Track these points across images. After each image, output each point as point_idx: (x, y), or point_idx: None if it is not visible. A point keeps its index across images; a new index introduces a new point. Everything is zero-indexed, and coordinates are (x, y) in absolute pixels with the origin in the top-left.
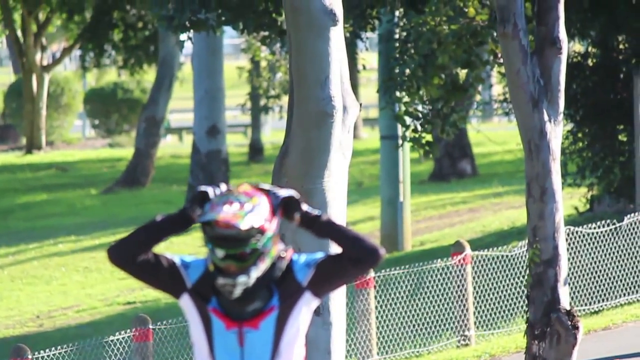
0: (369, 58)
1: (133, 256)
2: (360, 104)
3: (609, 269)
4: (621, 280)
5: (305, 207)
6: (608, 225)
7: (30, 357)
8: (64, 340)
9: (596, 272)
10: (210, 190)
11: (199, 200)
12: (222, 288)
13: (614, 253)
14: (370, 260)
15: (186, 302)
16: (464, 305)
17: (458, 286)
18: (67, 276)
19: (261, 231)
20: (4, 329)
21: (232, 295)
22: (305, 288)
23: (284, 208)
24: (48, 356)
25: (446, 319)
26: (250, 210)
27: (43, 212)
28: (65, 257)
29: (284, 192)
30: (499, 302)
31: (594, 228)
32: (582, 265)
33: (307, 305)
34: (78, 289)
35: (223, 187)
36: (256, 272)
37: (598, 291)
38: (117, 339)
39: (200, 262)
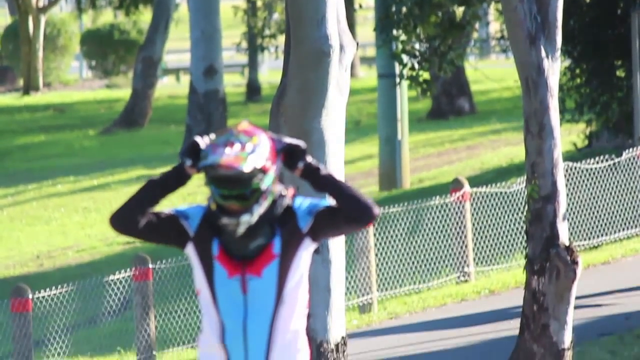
0: None
1: (134, 221)
2: (357, 43)
3: (607, 204)
4: (620, 215)
5: (309, 158)
6: (606, 160)
7: (30, 296)
8: (64, 280)
9: (595, 207)
10: (201, 141)
11: (192, 151)
12: (226, 227)
13: (612, 188)
14: (364, 219)
15: (190, 251)
16: (463, 242)
17: (457, 223)
18: (67, 216)
19: (263, 171)
20: (4, 269)
21: (235, 233)
22: (306, 234)
23: (287, 156)
24: (48, 296)
25: (445, 256)
26: (251, 151)
27: (41, 153)
28: (64, 198)
29: (289, 140)
30: (498, 238)
31: (593, 163)
32: (581, 201)
33: (307, 250)
34: (77, 229)
35: (212, 136)
36: (259, 210)
37: (597, 226)
38: (117, 279)
39: (197, 208)
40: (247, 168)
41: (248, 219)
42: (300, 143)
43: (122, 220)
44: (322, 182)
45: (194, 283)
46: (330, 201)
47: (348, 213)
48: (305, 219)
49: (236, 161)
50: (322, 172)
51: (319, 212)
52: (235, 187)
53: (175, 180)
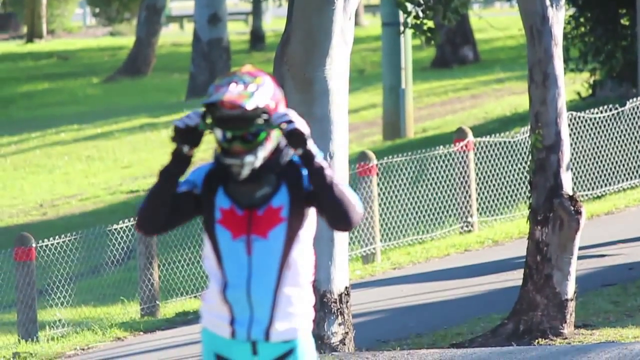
0: None
1: (160, 222)
2: None
3: (611, 154)
4: (624, 165)
5: (310, 144)
6: (610, 110)
7: (34, 245)
8: (67, 229)
9: (599, 157)
10: (180, 122)
11: (182, 136)
12: (230, 169)
13: (616, 138)
14: (340, 228)
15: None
16: (467, 192)
17: (461, 173)
18: (70, 165)
19: (266, 110)
20: (8, 218)
21: (240, 175)
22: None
23: (290, 137)
24: (52, 244)
25: (449, 206)
26: (255, 90)
27: (45, 101)
28: (68, 146)
29: (296, 121)
30: (501, 188)
31: (597, 113)
32: (585, 151)
33: (311, 211)
34: (81, 178)
35: (193, 116)
36: (263, 151)
37: (601, 176)
38: (121, 227)
39: (199, 170)
40: (250, 105)
41: (252, 160)
42: (305, 130)
43: (148, 224)
44: (313, 173)
45: (203, 248)
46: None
47: (328, 215)
48: (308, 181)
49: (239, 98)
50: (315, 164)
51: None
52: (238, 127)
53: (178, 167)
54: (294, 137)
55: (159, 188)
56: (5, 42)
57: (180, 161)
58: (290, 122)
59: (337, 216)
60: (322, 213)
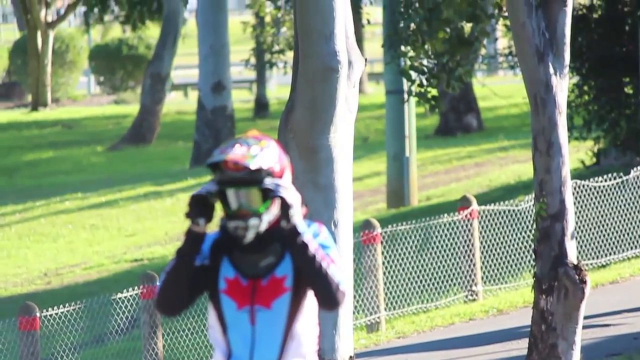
0: (373, 12)
1: (182, 303)
2: (365, 59)
3: (616, 222)
4: (628, 234)
5: (297, 219)
6: (615, 178)
7: (38, 314)
8: (71, 298)
9: (603, 226)
10: (199, 191)
11: (198, 207)
12: (235, 232)
13: (621, 206)
14: (324, 308)
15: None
16: (471, 260)
17: (465, 241)
18: (74, 233)
19: (270, 173)
20: (12, 287)
21: (244, 239)
22: None
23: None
24: (56, 314)
25: (453, 274)
26: (258, 152)
27: (49, 170)
28: (72, 215)
29: (287, 194)
30: (506, 257)
31: (601, 181)
32: (589, 219)
33: None
34: (85, 246)
35: (208, 186)
36: (268, 215)
37: (605, 245)
38: (125, 297)
39: (207, 237)
40: (253, 165)
41: (257, 223)
42: (293, 202)
43: (169, 305)
44: (297, 249)
45: (208, 318)
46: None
47: (314, 292)
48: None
49: (243, 158)
50: (299, 240)
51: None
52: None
53: (193, 246)
54: (281, 209)
55: (176, 268)
56: (10, 111)
57: (194, 239)
58: (279, 195)
59: (320, 295)
60: (311, 288)
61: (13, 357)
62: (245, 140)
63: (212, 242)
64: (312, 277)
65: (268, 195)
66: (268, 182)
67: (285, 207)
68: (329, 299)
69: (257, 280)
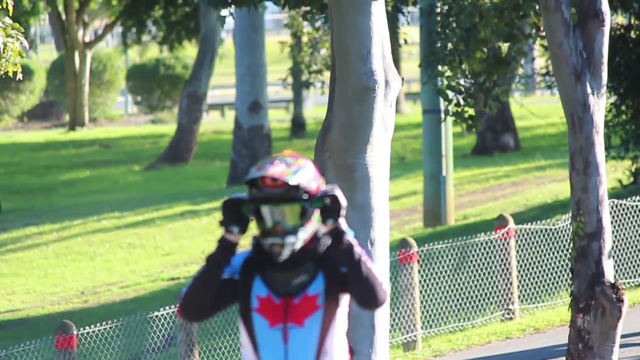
0: (410, 32)
1: (205, 310)
2: (402, 78)
3: None
4: None
5: (342, 220)
6: None
7: (75, 333)
8: (108, 316)
9: None
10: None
11: (233, 214)
12: (270, 249)
13: None
14: (367, 307)
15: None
16: (508, 279)
17: (502, 260)
18: (111, 252)
19: (308, 190)
20: (50, 305)
21: (280, 256)
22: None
23: (327, 208)
24: (93, 332)
25: (490, 293)
26: (297, 170)
27: (86, 189)
28: (109, 234)
29: (339, 193)
30: (543, 276)
31: (638, 200)
32: (627, 238)
33: (345, 297)
34: (122, 265)
35: (240, 194)
36: (304, 233)
37: None
38: (162, 315)
39: (239, 255)
40: (293, 181)
41: (293, 241)
42: (343, 201)
43: (192, 310)
44: (341, 251)
45: (240, 337)
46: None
47: (356, 292)
48: (337, 259)
49: (282, 174)
50: (345, 240)
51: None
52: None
53: (224, 254)
54: (332, 206)
55: (204, 275)
56: (47, 131)
57: (226, 248)
58: (332, 193)
59: (364, 294)
60: (351, 292)
61: None
62: (283, 159)
63: (243, 259)
64: (357, 275)
65: (306, 212)
66: (308, 193)
67: (335, 203)
68: (373, 297)
69: (290, 299)
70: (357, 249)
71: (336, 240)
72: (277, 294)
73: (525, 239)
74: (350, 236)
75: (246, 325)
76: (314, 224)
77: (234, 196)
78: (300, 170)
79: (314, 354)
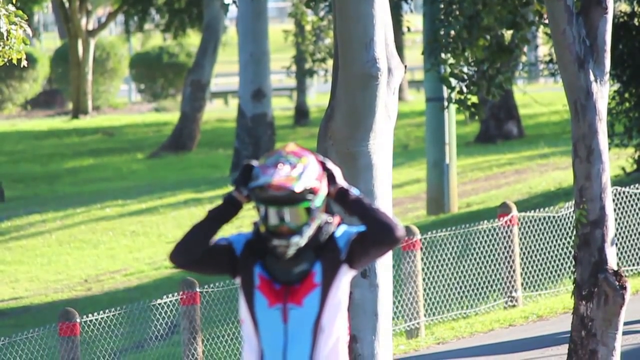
0: (413, 20)
1: (194, 253)
2: (405, 66)
3: None
4: None
5: (341, 181)
6: None
7: (78, 320)
8: (112, 304)
9: None
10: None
11: (247, 177)
12: (276, 250)
13: None
14: (387, 241)
15: (238, 280)
16: (511, 267)
17: (505, 247)
18: (115, 240)
19: (313, 191)
20: (53, 293)
21: (285, 255)
22: (343, 262)
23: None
24: (96, 319)
25: (493, 281)
26: (302, 172)
27: (90, 177)
28: (113, 221)
29: (328, 164)
30: (546, 263)
31: None
32: (630, 226)
33: (346, 277)
34: (125, 253)
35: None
36: (308, 232)
37: None
38: (165, 302)
39: (239, 236)
40: (298, 188)
41: (298, 240)
42: (334, 167)
43: (183, 253)
44: (351, 206)
45: (239, 312)
46: (362, 227)
47: (373, 235)
48: (344, 247)
49: (288, 182)
50: (351, 195)
51: (352, 239)
52: (285, 205)
53: (228, 211)
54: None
55: (202, 225)
56: (50, 119)
57: (231, 204)
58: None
59: (381, 230)
60: (368, 237)
61: None
62: (287, 158)
63: (246, 240)
64: (372, 219)
65: (311, 211)
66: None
67: (329, 176)
68: (391, 230)
69: (290, 286)
70: (366, 200)
71: (343, 199)
72: (278, 282)
73: (529, 227)
74: (355, 191)
75: (247, 301)
76: (319, 219)
77: (255, 163)
78: (304, 172)
79: (312, 331)
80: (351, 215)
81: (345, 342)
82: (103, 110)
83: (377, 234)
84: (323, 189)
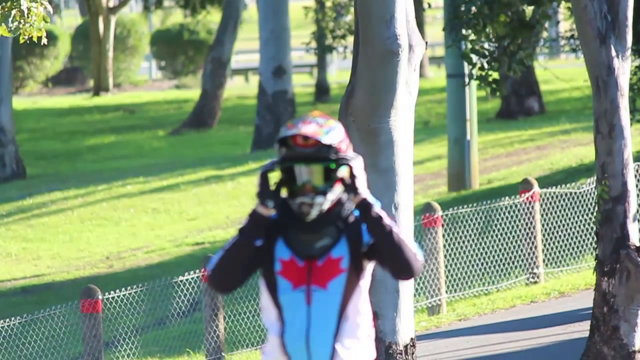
0: None
1: (236, 279)
2: (426, 42)
3: None
4: None
5: (364, 191)
6: None
7: (100, 297)
8: (133, 281)
9: None
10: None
11: (267, 184)
12: (299, 208)
13: None
14: (401, 277)
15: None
16: (533, 243)
17: (526, 224)
18: (136, 217)
19: (337, 151)
20: (75, 270)
21: (309, 216)
22: (364, 253)
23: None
24: (118, 296)
25: (515, 257)
26: (329, 130)
27: (111, 154)
28: (134, 199)
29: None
30: (567, 240)
31: None
32: None
33: (369, 266)
34: (147, 230)
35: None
36: (331, 194)
37: None
38: (187, 279)
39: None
40: (326, 140)
41: (321, 201)
42: (358, 172)
43: (222, 282)
44: (371, 225)
45: (260, 299)
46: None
47: (389, 264)
48: (366, 243)
49: (315, 133)
50: (373, 213)
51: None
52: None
53: (256, 227)
54: (349, 177)
55: (235, 247)
56: (72, 96)
57: (258, 221)
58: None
59: (398, 265)
60: (383, 264)
61: (76, 339)
62: (314, 119)
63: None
64: (389, 246)
65: (331, 174)
66: (338, 154)
67: (352, 177)
68: (407, 267)
69: (313, 262)
70: (387, 221)
71: (365, 214)
72: (300, 257)
73: (550, 203)
74: (378, 208)
75: (269, 287)
76: (340, 189)
77: (269, 164)
78: (332, 131)
79: (336, 317)
80: (369, 230)
81: (369, 320)
82: (124, 87)
83: (393, 269)
84: (346, 153)
